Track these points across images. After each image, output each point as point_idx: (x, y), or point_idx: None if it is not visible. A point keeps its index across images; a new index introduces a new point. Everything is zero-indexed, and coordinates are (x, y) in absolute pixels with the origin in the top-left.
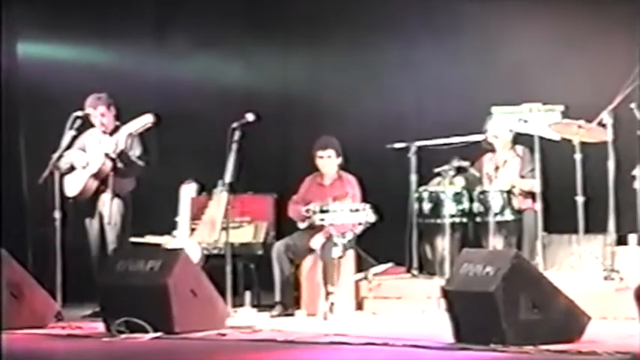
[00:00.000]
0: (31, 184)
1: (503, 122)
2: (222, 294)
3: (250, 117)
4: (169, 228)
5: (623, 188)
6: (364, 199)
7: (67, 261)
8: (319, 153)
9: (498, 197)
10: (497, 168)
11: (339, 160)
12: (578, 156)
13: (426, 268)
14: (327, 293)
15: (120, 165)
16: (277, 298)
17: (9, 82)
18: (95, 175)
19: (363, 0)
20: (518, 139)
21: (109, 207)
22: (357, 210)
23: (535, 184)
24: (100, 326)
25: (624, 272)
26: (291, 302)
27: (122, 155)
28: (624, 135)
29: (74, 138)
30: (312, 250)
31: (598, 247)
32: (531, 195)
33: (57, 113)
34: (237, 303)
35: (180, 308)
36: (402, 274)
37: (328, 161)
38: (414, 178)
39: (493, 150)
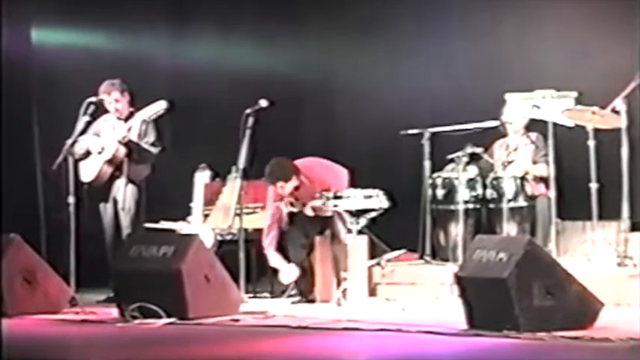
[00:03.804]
0: (45, 170)
1: (518, 108)
2: (236, 280)
3: (264, 103)
4: (183, 214)
5: (636, 175)
6: (376, 186)
7: (81, 246)
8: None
9: (511, 183)
10: (508, 154)
11: (292, 182)
12: (591, 142)
13: (439, 254)
14: (339, 281)
15: (132, 152)
16: (292, 284)
17: (23, 68)
18: (110, 161)
19: None
20: (532, 125)
21: (124, 192)
22: (370, 196)
23: (548, 169)
24: (113, 312)
25: (638, 259)
26: (307, 288)
27: (131, 143)
28: (638, 121)
29: (88, 124)
30: (321, 234)
31: (611, 233)
32: (544, 181)
33: (71, 99)
34: (251, 289)
35: (194, 294)
36: (415, 260)
37: (282, 190)
38: (427, 164)
39: (506, 135)
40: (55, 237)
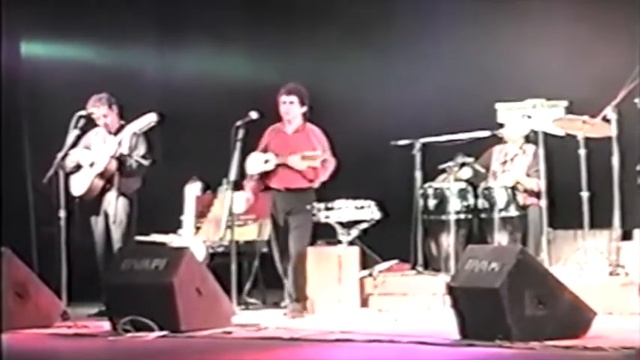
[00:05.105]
0: (36, 184)
1: (514, 120)
2: (228, 292)
3: (254, 115)
4: (174, 227)
5: (627, 183)
6: (367, 197)
7: (73, 260)
8: (282, 98)
9: (503, 193)
10: (504, 162)
11: (304, 109)
12: (582, 151)
13: (431, 264)
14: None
15: (124, 166)
16: (288, 296)
17: (12, 81)
18: (101, 175)
19: None
20: (531, 137)
21: (115, 206)
22: (362, 207)
23: (538, 184)
24: (105, 325)
25: (629, 267)
26: (301, 299)
27: (122, 157)
28: (628, 130)
29: (78, 137)
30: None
31: (603, 242)
32: (536, 193)
33: (61, 113)
34: (243, 301)
35: (186, 307)
36: (407, 270)
37: (291, 107)
38: (418, 174)
39: (504, 141)
40: (47, 251)
